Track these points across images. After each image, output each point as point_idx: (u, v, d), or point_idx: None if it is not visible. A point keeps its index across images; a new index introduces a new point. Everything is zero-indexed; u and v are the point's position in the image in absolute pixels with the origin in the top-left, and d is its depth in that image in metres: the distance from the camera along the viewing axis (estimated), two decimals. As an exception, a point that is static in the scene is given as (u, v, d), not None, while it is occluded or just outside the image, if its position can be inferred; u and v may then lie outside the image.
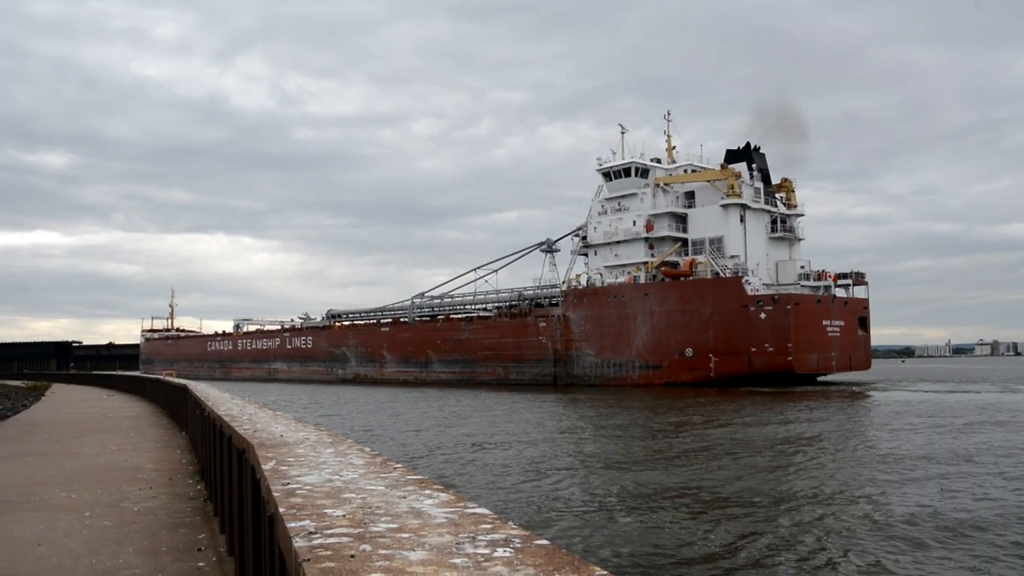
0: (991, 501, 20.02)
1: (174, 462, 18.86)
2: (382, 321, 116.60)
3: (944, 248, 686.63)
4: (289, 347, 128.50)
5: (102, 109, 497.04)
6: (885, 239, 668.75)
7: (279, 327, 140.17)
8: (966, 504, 19.65)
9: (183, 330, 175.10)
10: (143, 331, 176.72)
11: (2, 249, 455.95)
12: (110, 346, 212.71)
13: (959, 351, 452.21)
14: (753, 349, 73.84)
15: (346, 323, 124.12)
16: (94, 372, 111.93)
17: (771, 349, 73.41)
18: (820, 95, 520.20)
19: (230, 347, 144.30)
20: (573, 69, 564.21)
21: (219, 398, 17.25)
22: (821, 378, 79.32)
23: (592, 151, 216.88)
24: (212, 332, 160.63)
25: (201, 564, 9.46)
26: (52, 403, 49.00)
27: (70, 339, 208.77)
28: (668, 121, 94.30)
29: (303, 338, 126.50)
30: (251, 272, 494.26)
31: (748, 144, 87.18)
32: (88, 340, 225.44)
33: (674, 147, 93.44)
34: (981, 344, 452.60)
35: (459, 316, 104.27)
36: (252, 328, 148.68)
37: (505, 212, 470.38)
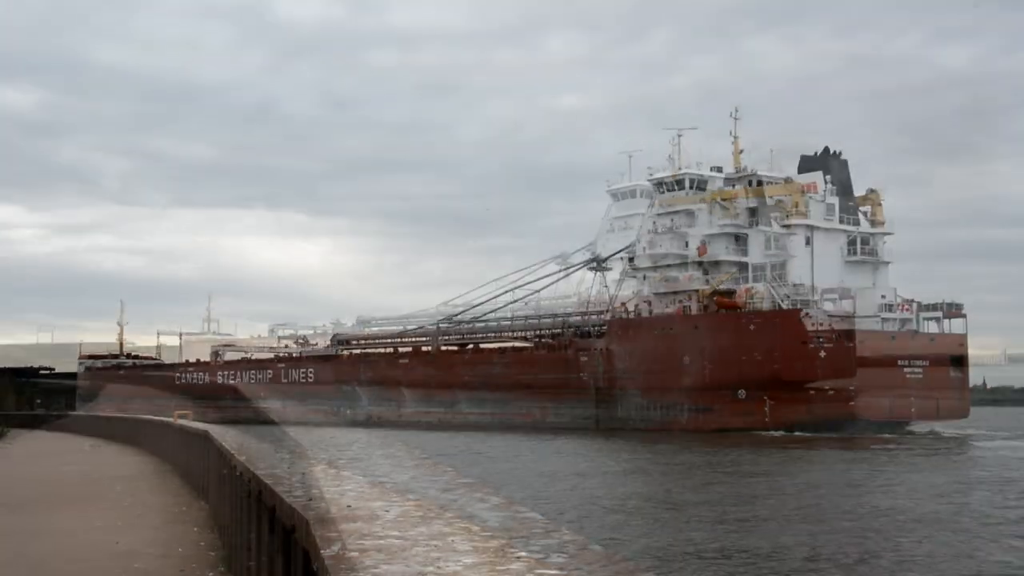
0: None
1: (188, 544, 16.93)
2: (400, 351, 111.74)
3: None
4: (285, 381, 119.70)
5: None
6: None
7: (306, 345, 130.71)
8: None
9: (137, 357, 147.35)
10: (80, 358, 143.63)
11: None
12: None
13: None
14: (812, 392, 71.92)
15: (356, 351, 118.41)
16: (70, 413, 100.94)
17: (831, 392, 71.46)
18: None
19: (207, 379, 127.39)
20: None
21: (256, 450, 15.46)
22: (910, 427, 75.92)
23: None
24: (184, 361, 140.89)
25: None
26: (11, 456, 45.48)
27: (34, 364, 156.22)
28: (735, 119, 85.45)
29: (302, 369, 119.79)
30: (302, 268, 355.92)
31: (827, 149, 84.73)
32: (61, 367, 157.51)
33: (741, 150, 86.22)
34: None
35: (490, 345, 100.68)
36: (240, 351, 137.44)
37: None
